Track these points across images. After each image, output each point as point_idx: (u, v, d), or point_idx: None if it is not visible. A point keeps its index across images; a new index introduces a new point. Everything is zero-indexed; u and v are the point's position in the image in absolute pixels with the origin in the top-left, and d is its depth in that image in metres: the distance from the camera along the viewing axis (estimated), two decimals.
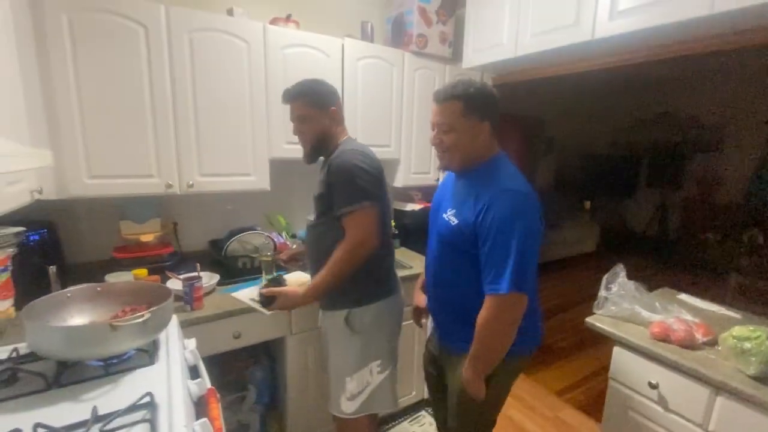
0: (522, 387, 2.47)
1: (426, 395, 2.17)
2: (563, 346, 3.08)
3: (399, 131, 2.13)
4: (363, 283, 1.31)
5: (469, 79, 1.12)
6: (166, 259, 1.67)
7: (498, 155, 1.17)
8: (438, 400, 1.44)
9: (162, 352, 1.08)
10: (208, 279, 1.61)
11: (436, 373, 1.41)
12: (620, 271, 1.46)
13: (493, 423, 1.30)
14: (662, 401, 1.22)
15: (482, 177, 1.12)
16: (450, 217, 1.15)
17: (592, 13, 1.47)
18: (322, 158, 1.38)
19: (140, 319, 0.93)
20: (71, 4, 1.29)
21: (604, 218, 6.02)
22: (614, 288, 1.44)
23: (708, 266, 4.72)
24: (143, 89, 1.44)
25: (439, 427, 1.54)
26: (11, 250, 1.19)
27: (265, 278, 1.57)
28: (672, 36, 1.44)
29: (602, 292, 1.45)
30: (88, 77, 1.35)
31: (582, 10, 1.50)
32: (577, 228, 5.42)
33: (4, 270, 1.17)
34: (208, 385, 1.06)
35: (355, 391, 1.34)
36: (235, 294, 1.58)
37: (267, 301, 1.32)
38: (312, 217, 1.37)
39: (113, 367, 0.98)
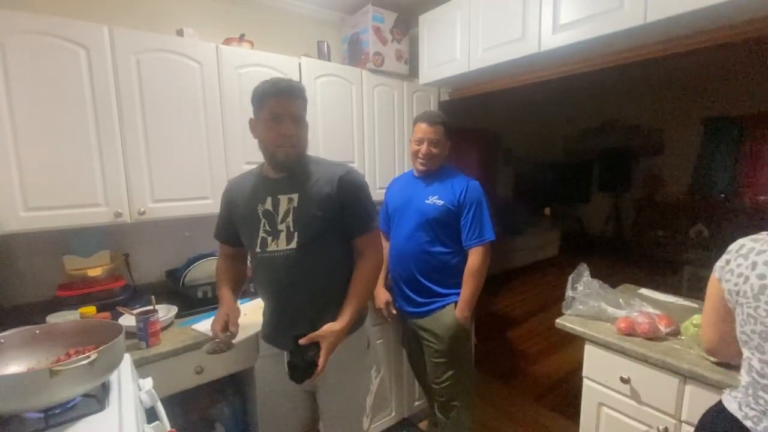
0: (499, 395, 2.47)
1: (406, 414, 2.12)
2: (535, 351, 3.12)
3: (362, 147, 2.13)
4: (366, 305, 1.30)
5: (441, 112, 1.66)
6: (117, 294, 1.54)
7: (446, 165, 1.73)
8: (422, 369, 1.82)
9: (113, 396, 0.98)
10: (166, 312, 1.50)
11: (412, 346, 1.83)
12: (584, 271, 1.51)
13: (471, 361, 1.78)
14: (635, 395, 1.25)
15: (445, 175, 1.67)
16: (434, 201, 1.61)
17: (536, 27, 1.56)
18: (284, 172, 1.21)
19: (85, 361, 0.84)
20: (3, 27, 1.20)
21: (564, 223, 6.30)
22: (580, 287, 1.47)
23: (661, 261, 5.01)
24: (86, 113, 1.35)
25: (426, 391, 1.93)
26: None
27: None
28: (612, 46, 1.54)
29: (569, 292, 1.48)
30: (22, 102, 1.25)
31: (527, 24, 1.59)
32: (539, 234, 5.63)
33: None
34: (168, 427, 0.97)
35: (370, 404, 1.33)
36: (195, 326, 1.49)
37: (306, 357, 1.07)
38: (293, 242, 1.15)
39: (55, 419, 0.87)
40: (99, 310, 1.40)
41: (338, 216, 1.16)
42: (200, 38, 1.66)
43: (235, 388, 1.78)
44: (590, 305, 1.42)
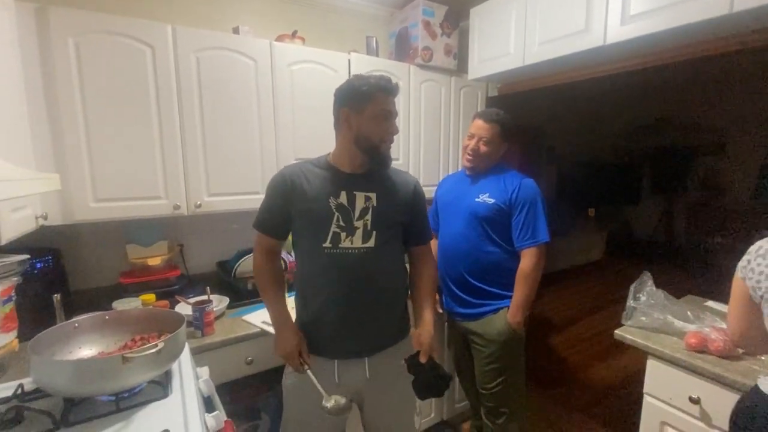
0: (543, 403, 2.38)
1: (446, 416, 2.09)
2: (580, 358, 2.99)
3: (407, 144, 2.10)
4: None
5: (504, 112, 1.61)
6: (173, 283, 1.61)
7: (500, 163, 1.67)
8: (463, 372, 1.85)
9: (175, 384, 1.02)
10: (218, 302, 1.55)
11: (459, 347, 1.80)
12: (647, 279, 1.41)
13: (524, 369, 1.67)
14: (705, 417, 1.15)
15: (498, 173, 1.62)
16: (485, 199, 1.55)
17: (603, 18, 1.45)
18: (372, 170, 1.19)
19: (154, 350, 0.87)
20: (77, 27, 1.27)
21: (610, 226, 5.97)
22: (643, 297, 1.38)
23: (719, 270, 4.64)
24: (150, 110, 1.41)
25: (471, 396, 1.88)
26: (15, 279, 1.14)
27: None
28: (685, 39, 1.42)
29: (630, 302, 1.39)
30: (94, 99, 1.32)
31: (592, 15, 1.49)
32: (583, 236, 5.38)
33: (8, 300, 1.12)
34: (225, 417, 1.00)
35: (418, 424, 1.34)
36: (246, 317, 1.52)
37: (439, 370, 1.12)
38: (371, 240, 1.13)
39: (125, 402, 0.91)
40: (158, 298, 1.47)
41: (408, 222, 1.20)
42: (255, 35, 1.68)
43: (281, 381, 1.81)
44: (654, 317, 1.33)
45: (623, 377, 2.69)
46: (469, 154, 1.61)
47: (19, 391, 0.96)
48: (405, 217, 1.19)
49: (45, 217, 1.22)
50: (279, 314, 1.20)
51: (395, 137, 1.18)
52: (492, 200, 1.54)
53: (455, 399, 2.10)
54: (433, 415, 2.04)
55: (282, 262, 1.75)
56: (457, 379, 2.03)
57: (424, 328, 1.15)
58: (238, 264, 1.65)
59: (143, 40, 1.38)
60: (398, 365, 1.15)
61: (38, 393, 0.93)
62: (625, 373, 2.73)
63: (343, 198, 1.13)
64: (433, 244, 1.78)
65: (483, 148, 1.57)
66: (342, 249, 1.12)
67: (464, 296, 1.62)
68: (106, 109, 1.34)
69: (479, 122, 1.58)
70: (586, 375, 2.75)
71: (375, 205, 1.14)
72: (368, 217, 1.13)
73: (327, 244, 1.12)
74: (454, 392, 2.09)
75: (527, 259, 1.51)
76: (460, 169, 1.87)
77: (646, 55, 1.57)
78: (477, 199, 1.57)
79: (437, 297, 1.75)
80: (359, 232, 1.13)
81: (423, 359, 1.10)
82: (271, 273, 1.25)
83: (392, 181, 1.20)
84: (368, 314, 1.15)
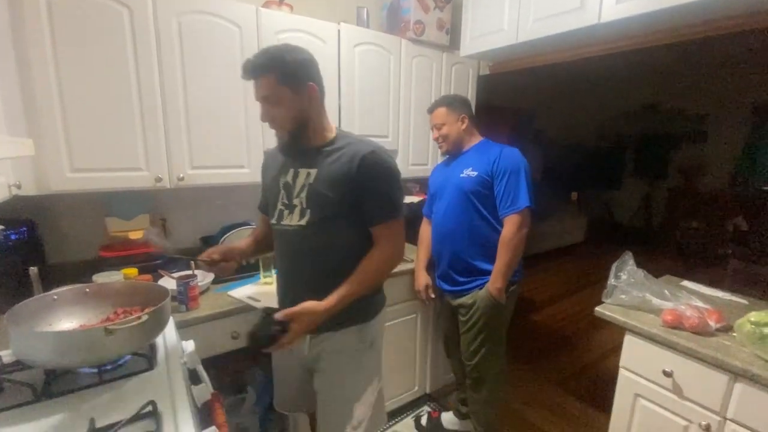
0: (522, 377, 2.47)
1: (429, 389, 2.14)
2: (558, 336, 3.09)
3: (397, 121, 2.07)
4: (372, 294, 1.16)
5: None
6: (156, 258, 1.57)
7: (483, 140, 1.68)
8: (453, 350, 1.85)
9: (160, 356, 1.01)
10: (203, 277, 1.53)
11: (451, 324, 1.80)
12: (629, 259, 1.44)
13: (505, 339, 1.71)
14: (677, 389, 1.21)
15: (482, 148, 1.64)
16: (469, 173, 1.58)
17: None
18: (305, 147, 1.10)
19: (138, 322, 0.85)
20: None
21: (592, 209, 6.10)
22: (623, 276, 1.42)
23: (693, 254, 4.82)
24: (129, 75, 1.34)
25: (461, 375, 1.86)
26: None
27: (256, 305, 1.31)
28: (677, 20, 1.42)
29: (611, 281, 1.43)
30: (69, 62, 1.24)
31: None
32: (565, 219, 5.48)
33: None
34: (211, 389, 1.00)
35: (361, 417, 1.14)
36: (231, 292, 1.51)
37: (269, 330, 0.96)
38: (304, 219, 1.08)
39: (108, 374, 0.91)
40: (140, 272, 1.43)
41: (357, 198, 1.05)
42: (240, 0, 1.60)
43: (266, 354, 1.82)
44: (633, 295, 1.37)
45: (600, 353, 2.80)
46: (438, 144, 1.71)
47: None
48: (343, 194, 1.04)
49: (18, 186, 1.16)
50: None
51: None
52: (475, 173, 1.56)
53: (439, 373, 2.16)
54: (417, 388, 2.10)
55: None
56: (443, 353, 2.09)
57: (314, 305, 1.00)
58: (223, 239, 1.62)
59: (120, 1, 1.29)
60: (344, 354, 1.13)
61: (18, 365, 0.91)
62: (603, 350, 2.84)
63: (290, 176, 1.11)
64: (428, 229, 1.84)
65: (441, 132, 1.64)
66: (282, 226, 1.12)
67: (455, 275, 1.65)
68: (81, 73, 1.27)
69: (429, 117, 1.69)
70: (564, 351, 2.85)
71: (311, 182, 1.07)
72: (304, 194, 1.08)
73: (274, 221, 1.15)
74: (437, 366, 2.14)
75: (508, 226, 1.53)
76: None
77: (638, 36, 1.57)
78: (461, 175, 1.60)
79: (427, 280, 1.79)
80: (297, 210, 1.09)
81: (278, 316, 0.96)
82: (254, 231, 1.38)
83: (339, 154, 1.06)
84: (301, 293, 1.06)
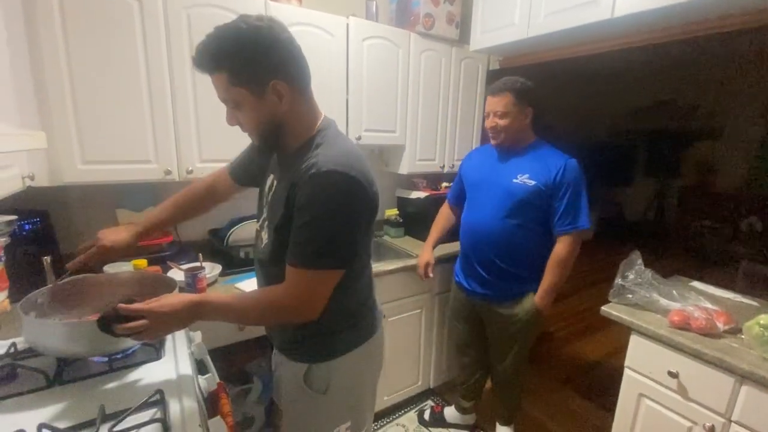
0: (526, 374, 2.46)
1: (432, 383, 2.16)
2: (564, 334, 3.08)
3: (404, 116, 2.06)
4: (329, 332, 0.93)
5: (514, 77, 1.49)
6: (165, 249, 1.60)
7: (537, 139, 1.58)
8: (469, 348, 1.84)
9: (168, 346, 1.03)
10: (210, 269, 1.55)
11: (471, 324, 1.77)
12: (636, 259, 1.43)
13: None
14: (682, 390, 1.20)
15: (537, 151, 1.52)
16: (524, 180, 1.46)
17: None
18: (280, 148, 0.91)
19: None
20: None
21: (601, 207, 6.02)
22: (631, 275, 1.40)
23: (705, 254, 4.74)
24: (139, 68, 1.36)
25: (469, 372, 1.89)
26: (3, 239, 1.12)
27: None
28: (694, 15, 1.39)
29: (618, 280, 1.42)
30: (80, 55, 1.26)
31: None
32: None
33: None
34: (217, 379, 1.02)
35: None
36: (238, 285, 1.53)
37: (109, 326, 0.76)
38: (264, 238, 0.93)
39: (118, 363, 0.93)
40: (149, 264, 1.46)
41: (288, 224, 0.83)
42: None
43: (272, 346, 1.85)
44: (641, 295, 1.36)
45: (605, 353, 2.79)
46: (492, 134, 1.54)
47: (12, 349, 0.96)
48: (281, 219, 0.84)
49: (32, 178, 1.18)
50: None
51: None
52: (532, 182, 1.45)
53: (442, 368, 2.17)
54: (420, 382, 2.11)
55: None
56: (445, 349, 2.10)
57: (163, 304, 0.78)
58: (231, 232, 1.64)
59: None
60: (298, 391, 0.96)
61: (31, 352, 0.94)
62: (607, 349, 2.83)
63: (267, 182, 0.97)
64: (447, 214, 1.86)
65: (501, 123, 1.49)
66: (260, 235, 0.97)
67: (489, 278, 1.58)
68: (92, 67, 1.28)
69: (489, 98, 1.52)
70: (569, 350, 2.84)
71: (269, 198, 0.93)
72: (265, 209, 0.95)
73: (258, 226, 1.00)
74: (441, 362, 2.15)
75: (564, 245, 1.47)
76: (467, 144, 1.85)
77: (652, 31, 1.53)
78: (515, 180, 1.48)
79: (429, 259, 1.77)
80: (266, 225, 0.94)
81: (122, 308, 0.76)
82: (193, 188, 1.24)
83: (298, 166, 0.83)
84: None
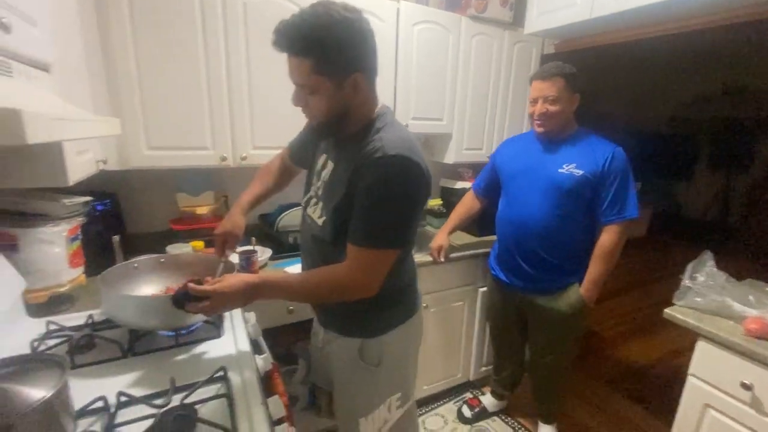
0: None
1: (472, 376, 2.13)
2: (611, 334, 2.94)
3: (453, 104, 2.01)
4: (381, 309, 0.98)
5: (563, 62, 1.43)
6: None
7: (579, 128, 1.51)
8: (505, 342, 1.84)
9: (227, 325, 1.08)
10: (261, 253, 1.60)
11: (508, 318, 1.74)
12: (708, 260, 1.32)
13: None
14: (756, 404, 1.11)
15: (582, 140, 1.47)
16: (571, 170, 1.42)
17: None
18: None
19: None
20: None
21: (656, 201, 5.64)
22: (701, 277, 1.30)
23: None
24: (198, 59, 1.40)
25: (504, 365, 1.90)
26: (80, 219, 1.21)
27: None
28: None
29: (686, 282, 1.32)
30: (146, 47, 1.32)
31: None
32: None
33: (75, 239, 1.20)
34: (271, 360, 1.06)
35: (369, 429, 1.07)
36: (288, 269, 1.57)
37: (182, 303, 0.84)
38: (322, 219, 0.94)
39: (183, 338, 0.98)
40: (206, 246, 1.53)
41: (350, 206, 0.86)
42: None
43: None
44: (711, 299, 1.25)
45: (657, 357, 2.63)
46: (537, 120, 1.46)
47: (90, 321, 1.04)
48: (343, 198, 0.87)
49: (105, 162, 1.27)
50: (237, 201, 1.21)
51: (317, 111, 0.88)
52: (580, 172, 1.41)
53: (483, 362, 2.14)
54: (460, 375, 2.10)
55: None
56: (485, 344, 2.07)
57: (226, 286, 0.83)
58: (280, 218, 1.68)
59: None
60: (349, 366, 1.02)
61: (107, 324, 1.02)
62: (659, 353, 2.67)
63: (320, 162, 1.00)
64: (470, 201, 1.83)
65: (552, 108, 1.41)
66: (307, 214, 1.02)
67: (532, 271, 1.55)
68: (156, 57, 1.34)
69: (537, 83, 1.44)
70: (616, 351, 2.71)
71: (326, 179, 0.95)
72: (321, 191, 0.96)
73: (303, 203, 1.06)
74: (481, 356, 2.12)
75: (611, 235, 1.43)
76: (517, 133, 1.78)
77: (725, 11, 1.38)
78: (560, 170, 1.44)
79: (443, 243, 1.71)
80: (319, 206, 0.97)
81: (193, 289, 0.82)
82: (266, 172, 1.31)
83: (356, 151, 0.85)
84: None
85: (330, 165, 0.95)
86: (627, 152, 1.43)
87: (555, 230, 1.47)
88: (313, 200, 1.00)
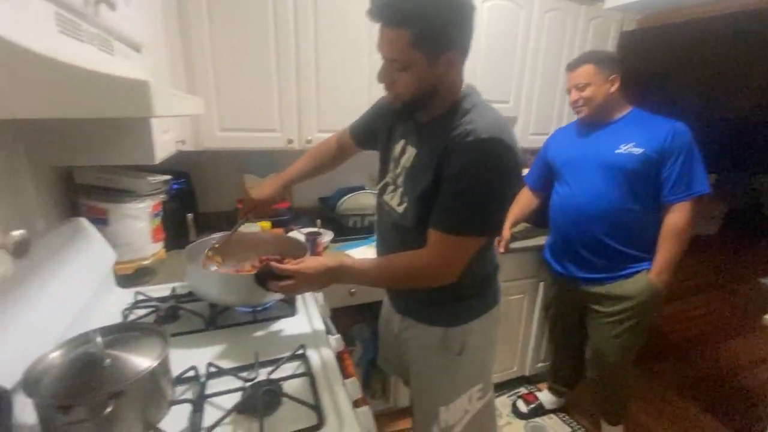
0: (637, 376, 2.23)
1: (528, 371, 2.06)
2: (678, 338, 2.72)
3: (520, 86, 1.89)
4: (467, 297, 0.96)
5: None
6: (283, 214, 1.71)
7: (634, 109, 1.46)
8: (564, 336, 1.77)
9: (299, 305, 1.09)
10: (324, 235, 1.62)
11: (566, 311, 1.69)
12: None
13: None
14: None
15: (638, 119, 1.42)
16: (630, 149, 1.36)
17: None
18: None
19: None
20: None
21: (733, 196, 5.10)
22: None
23: None
24: (269, 45, 1.42)
25: (563, 360, 1.84)
26: (162, 196, 1.27)
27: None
28: None
29: None
30: (220, 31, 1.35)
31: None
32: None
33: (157, 215, 1.26)
34: (343, 342, 1.06)
35: (450, 422, 1.03)
36: (349, 252, 1.58)
37: (264, 280, 0.86)
38: (402, 206, 0.91)
39: (260, 314, 1.01)
40: (273, 226, 1.57)
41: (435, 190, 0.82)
42: None
43: (377, 312, 1.91)
44: None
45: (732, 365, 2.40)
46: (575, 110, 1.47)
47: (174, 293, 1.10)
48: (429, 185, 0.83)
49: (183, 142, 1.32)
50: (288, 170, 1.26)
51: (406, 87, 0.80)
52: (640, 150, 1.35)
53: (540, 357, 2.06)
54: (515, 368, 2.03)
55: None
56: (543, 339, 1.99)
57: (313, 264, 0.86)
58: (342, 201, 1.69)
59: None
60: (430, 354, 1.01)
61: (189, 296, 1.06)
62: (738, 361, 2.43)
63: (398, 149, 0.95)
64: (528, 200, 1.75)
65: (583, 94, 1.40)
66: (384, 201, 0.99)
67: (595, 260, 1.47)
68: (229, 41, 1.37)
69: (568, 75, 1.45)
70: (686, 355, 2.51)
71: (408, 166, 0.91)
72: (402, 178, 0.92)
73: (378, 190, 1.03)
74: (539, 351, 2.04)
75: (680, 214, 1.35)
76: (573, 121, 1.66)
77: None
78: (618, 151, 1.38)
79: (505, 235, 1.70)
80: (398, 192, 0.94)
81: (277, 268, 0.84)
82: (320, 149, 1.31)
83: (448, 130, 0.81)
84: None
85: (410, 150, 0.91)
86: (702, 141, 1.35)
87: (617, 214, 1.41)
88: (390, 187, 0.97)
